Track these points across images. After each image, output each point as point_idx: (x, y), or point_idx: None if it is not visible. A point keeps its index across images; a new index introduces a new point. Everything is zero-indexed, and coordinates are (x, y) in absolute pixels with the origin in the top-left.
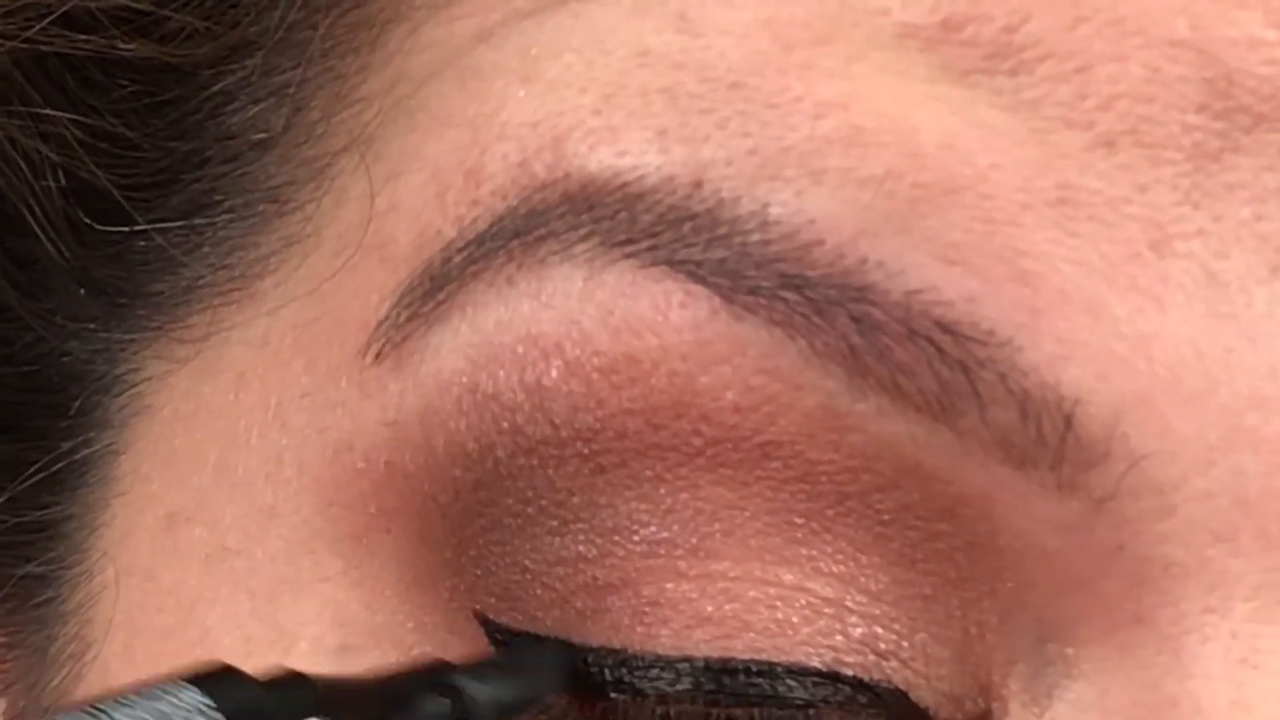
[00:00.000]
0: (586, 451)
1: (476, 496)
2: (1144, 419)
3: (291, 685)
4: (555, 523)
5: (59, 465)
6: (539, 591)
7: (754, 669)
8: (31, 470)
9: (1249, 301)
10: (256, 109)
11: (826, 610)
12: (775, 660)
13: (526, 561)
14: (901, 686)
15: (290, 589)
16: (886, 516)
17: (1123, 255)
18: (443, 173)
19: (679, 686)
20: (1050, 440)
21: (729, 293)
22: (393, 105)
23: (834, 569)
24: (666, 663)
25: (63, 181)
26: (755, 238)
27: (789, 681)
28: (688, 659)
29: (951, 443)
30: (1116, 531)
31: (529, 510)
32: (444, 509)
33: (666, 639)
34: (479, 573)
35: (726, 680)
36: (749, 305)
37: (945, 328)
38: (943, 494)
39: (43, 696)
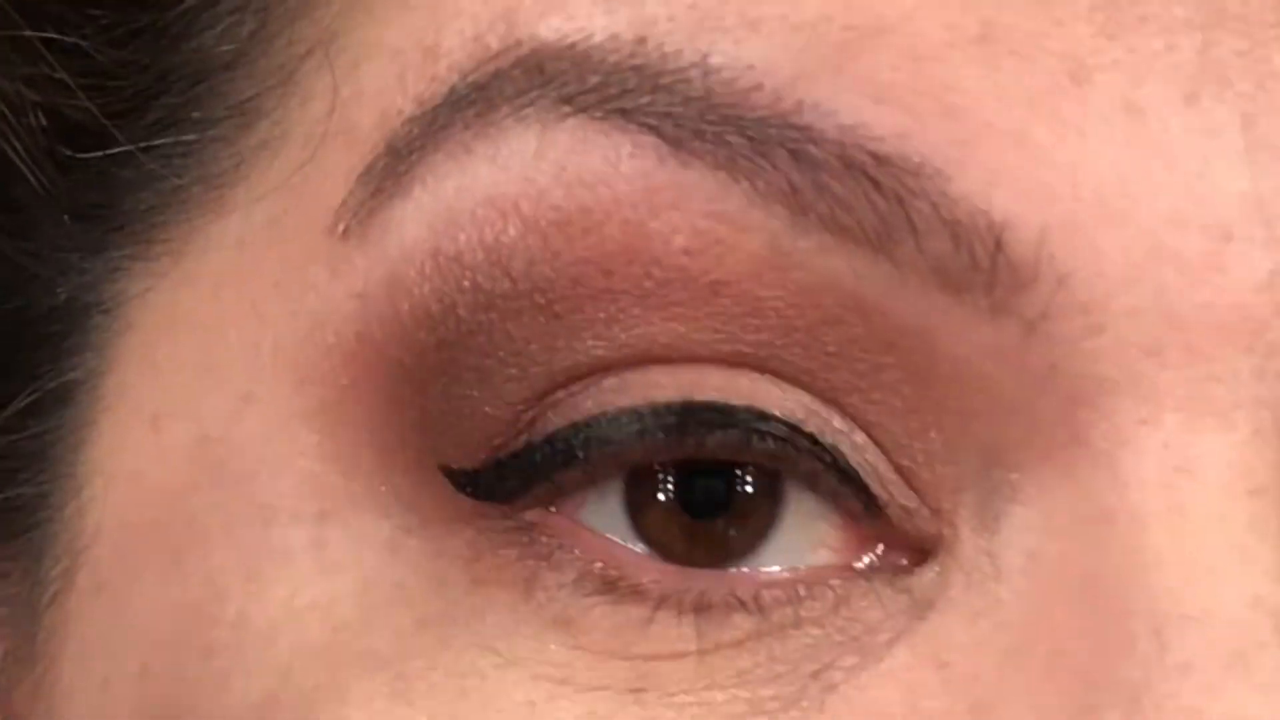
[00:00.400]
0: (543, 301)
1: (439, 355)
2: (1070, 240)
3: None
4: (515, 370)
5: (44, 391)
6: (501, 429)
7: (717, 416)
8: (18, 398)
9: (1165, 128)
10: (222, 25)
11: (785, 400)
12: (735, 403)
13: (488, 409)
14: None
15: (269, 467)
16: (832, 348)
17: (1044, 87)
18: (402, 54)
19: (645, 435)
20: (982, 264)
21: (675, 140)
22: (352, 1)
23: (786, 372)
24: (631, 411)
25: (43, 120)
26: (697, 86)
27: (750, 428)
28: (651, 404)
29: (890, 274)
30: (1049, 352)
31: (488, 362)
32: (409, 371)
33: (627, 399)
34: (443, 427)
35: (690, 426)
36: (694, 150)
37: (879, 161)
38: (884, 327)
39: (38, 614)
